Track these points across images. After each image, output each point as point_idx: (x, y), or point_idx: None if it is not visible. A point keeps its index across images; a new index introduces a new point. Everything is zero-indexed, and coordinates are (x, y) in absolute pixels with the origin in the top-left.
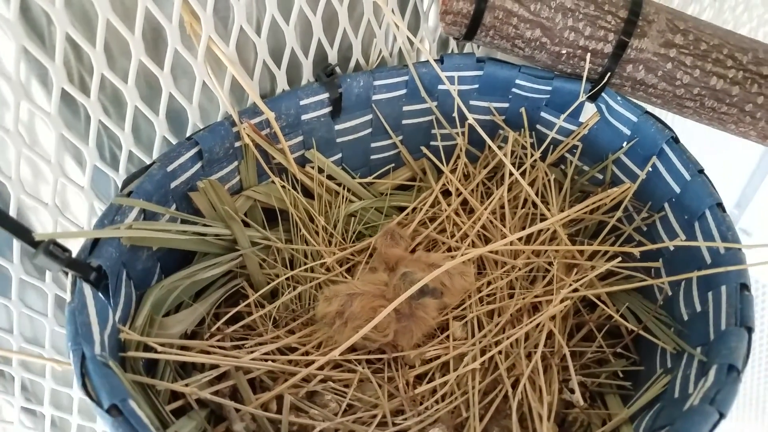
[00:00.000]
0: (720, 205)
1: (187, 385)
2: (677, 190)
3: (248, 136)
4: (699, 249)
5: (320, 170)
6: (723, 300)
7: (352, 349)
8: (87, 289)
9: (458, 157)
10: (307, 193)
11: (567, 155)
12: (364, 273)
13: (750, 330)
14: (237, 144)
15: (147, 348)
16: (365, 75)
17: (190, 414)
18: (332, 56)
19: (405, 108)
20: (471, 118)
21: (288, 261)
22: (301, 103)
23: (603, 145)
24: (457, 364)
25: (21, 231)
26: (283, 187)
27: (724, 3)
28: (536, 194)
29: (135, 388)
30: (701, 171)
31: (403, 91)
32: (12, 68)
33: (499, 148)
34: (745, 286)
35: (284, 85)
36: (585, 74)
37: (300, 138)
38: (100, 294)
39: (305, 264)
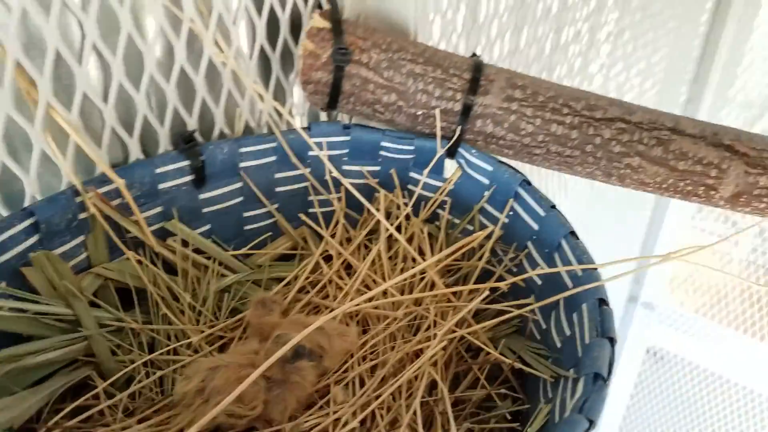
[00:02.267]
0: (573, 233)
1: None
2: (536, 227)
3: (95, 206)
4: (562, 278)
5: (185, 243)
6: (585, 317)
7: (216, 429)
8: None
9: (338, 221)
10: (171, 270)
11: (439, 211)
12: (236, 346)
13: (612, 340)
14: (82, 215)
15: None
16: (229, 142)
17: None
18: (192, 125)
19: (277, 175)
20: (345, 181)
21: (148, 345)
22: (158, 171)
23: (468, 197)
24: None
25: None
26: (140, 262)
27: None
28: (414, 251)
29: None
30: (553, 206)
31: (273, 158)
32: None
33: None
34: (603, 301)
35: (138, 154)
36: (438, 131)
37: (158, 208)
38: None
39: (168, 346)
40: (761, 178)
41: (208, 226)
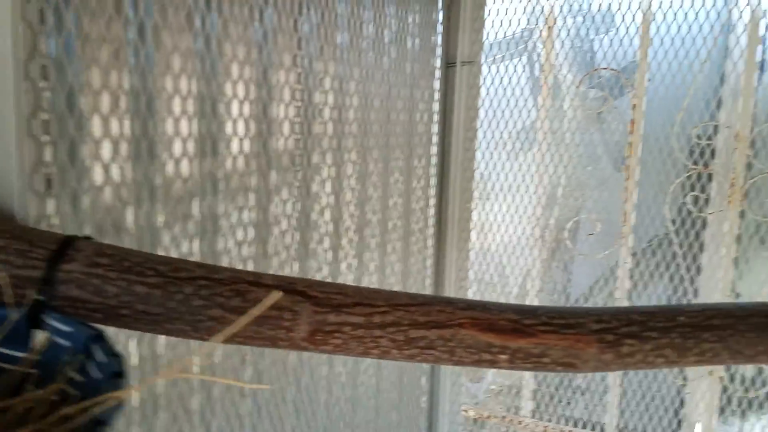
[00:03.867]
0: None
1: None
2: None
3: None
4: None
5: None
6: None
7: None
8: None
9: None
10: None
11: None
12: None
13: None
14: None
15: None
16: None
17: None
18: None
19: None
20: None
21: None
22: None
23: (58, 365)
24: None
25: None
26: None
27: None
28: None
29: None
30: (117, 355)
31: None
32: None
33: None
34: (101, 422)
35: None
36: (10, 298)
37: None
38: None
39: None
40: (329, 315)
41: None
